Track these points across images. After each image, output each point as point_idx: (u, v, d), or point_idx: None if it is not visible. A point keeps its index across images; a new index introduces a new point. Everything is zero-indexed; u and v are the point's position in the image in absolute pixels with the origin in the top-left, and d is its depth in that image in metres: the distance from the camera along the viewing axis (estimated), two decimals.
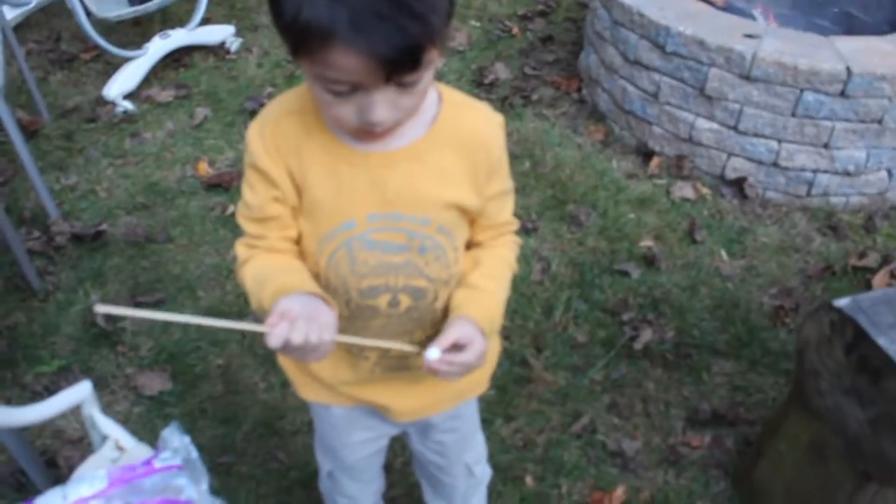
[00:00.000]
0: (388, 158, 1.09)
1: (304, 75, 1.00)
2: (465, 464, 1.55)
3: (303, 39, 0.92)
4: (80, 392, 1.46)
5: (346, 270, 1.14)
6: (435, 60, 0.98)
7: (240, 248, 1.18)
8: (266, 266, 1.14)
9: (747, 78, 2.69)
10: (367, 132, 1.03)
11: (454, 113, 1.12)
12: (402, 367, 1.27)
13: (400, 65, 0.92)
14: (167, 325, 2.40)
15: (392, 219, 1.11)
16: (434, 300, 1.20)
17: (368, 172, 1.09)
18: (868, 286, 2.54)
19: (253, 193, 1.12)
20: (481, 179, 1.15)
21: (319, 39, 0.90)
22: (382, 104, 0.97)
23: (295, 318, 0.98)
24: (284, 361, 1.40)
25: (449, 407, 1.40)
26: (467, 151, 1.13)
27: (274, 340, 0.97)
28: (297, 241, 1.17)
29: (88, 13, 3.29)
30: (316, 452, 1.58)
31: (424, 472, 1.61)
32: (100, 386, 2.22)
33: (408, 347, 1.10)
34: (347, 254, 1.13)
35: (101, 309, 0.94)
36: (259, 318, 1.05)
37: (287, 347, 0.98)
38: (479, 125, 1.15)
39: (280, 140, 1.09)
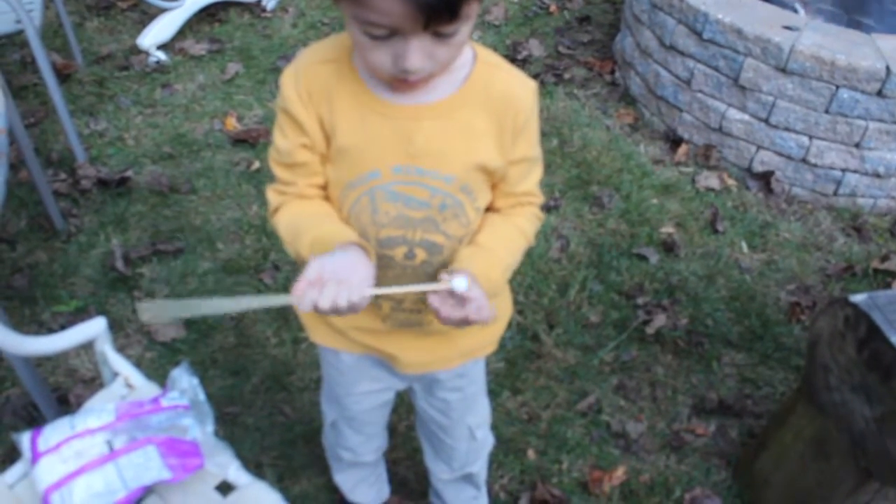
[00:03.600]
0: (417, 112, 1.10)
1: (343, 17, 1.00)
2: (468, 426, 1.56)
3: None
4: (94, 327, 1.48)
5: (367, 219, 1.15)
6: (474, 14, 0.98)
7: (271, 195, 1.21)
8: (298, 214, 1.16)
9: (783, 70, 2.65)
10: (400, 80, 1.03)
11: (487, 72, 1.12)
12: (413, 322, 1.28)
13: (439, 13, 0.92)
14: (185, 273, 2.42)
15: (416, 173, 1.12)
16: (449, 257, 1.20)
17: (396, 124, 1.10)
18: (888, 289, 2.52)
19: (283, 138, 1.14)
20: (507, 141, 1.15)
21: None
22: (418, 52, 0.97)
23: (324, 282, 1.00)
24: None
25: (456, 364, 1.40)
26: (497, 111, 1.12)
27: (305, 307, 1.00)
28: (324, 188, 1.19)
29: None
30: (322, 403, 1.60)
31: (426, 431, 1.62)
32: (114, 329, 2.25)
33: (440, 286, 1.08)
34: (370, 203, 1.14)
35: (146, 313, 0.98)
36: (297, 266, 1.09)
37: (317, 311, 1.01)
38: (512, 86, 1.15)
39: (313, 87, 1.10)
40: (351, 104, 1.10)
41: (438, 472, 1.69)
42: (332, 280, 1.00)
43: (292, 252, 1.15)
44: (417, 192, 1.13)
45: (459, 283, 1.06)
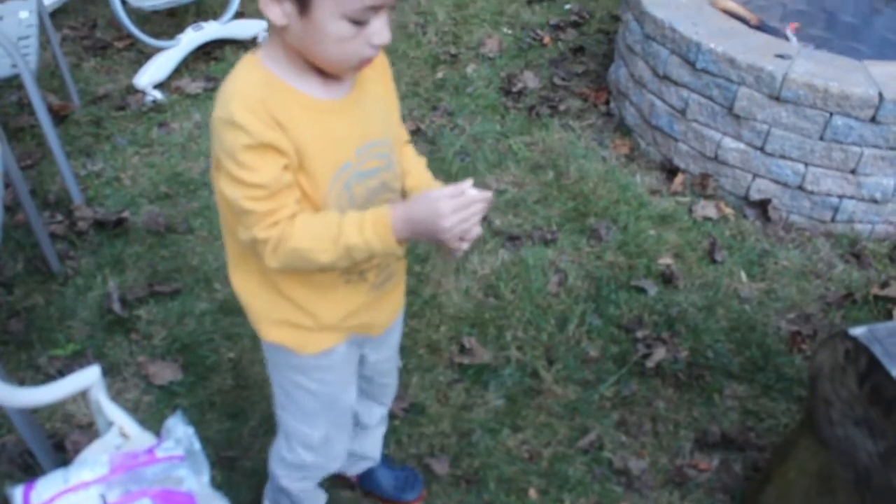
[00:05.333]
0: (352, 99, 1.26)
1: (315, 25, 1.12)
2: (397, 359, 1.75)
3: None
4: (88, 376, 1.47)
5: (348, 208, 1.26)
6: None
7: (261, 233, 1.20)
8: (314, 222, 1.22)
9: (777, 99, 2.66)
10: (364, 63, 1.20)
11: None
12: (390, 275, 1.43)
13: None
14: (182, 314, 2.41)
15: (371, 147, 1.29)
16: None
17: (345, 116, 1.25)
18: (889, 316, 2.50)
19: (261, 173, 1.16)
20: (393, 93, 1.40)
21: None
22: (387, 25, 1.16)
23: (461, 207, 1.19)
24: (283, 332, 1.44)
25: (402, 305, 1.60)
26: (381, 73, 1.35)
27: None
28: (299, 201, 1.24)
29: (124, 2, 3.34)
30: (298, 429, 1.57)
31: (371, 386, 1.72)
32: (112, 373, 2.24)
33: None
34: (347, 192, 1.27)
35: None
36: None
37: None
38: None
39: (272, 110, 1.16)
40: (303, 114, 1.19)
41: (372, 417, 1.81)
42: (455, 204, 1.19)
43: (329, 257, 1.22)
44: (374, 163, 1.30)
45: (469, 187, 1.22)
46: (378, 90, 1.33)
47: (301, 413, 1.56)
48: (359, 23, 1.12)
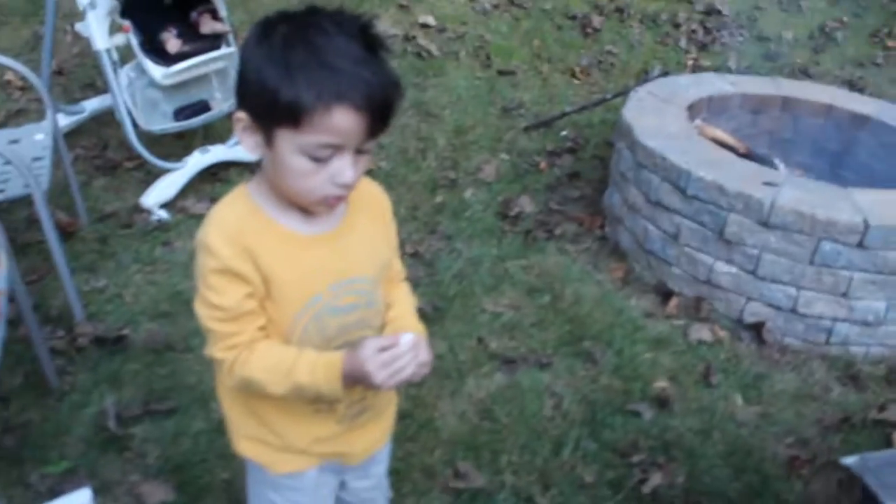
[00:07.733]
0: (333, 237, 1.31)
1: (278, 157, 1.19)
2: (385, 489, 1.72)
3: (304, 111, 1.12)
4: (78, 500, 1.47)
5: (318, 339, 1.31)
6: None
7: (219, 353, 1.27)
8: (271, 356, 1.27)
9: (766, 225, 2.73)
10: (332, 200, 1.23)
11: (357, 188, 1.29)
12: (363, 409, 1.43)
13: (380, 125, 1.17)
14: (177, 434, 2.40)
15: (347, 283, 1.32)
16: None
17: (322, 251, 1.30)
18: (888, 440, 2.49)
19: (223, 296, 1.23)
20: (389, 234, 1.44)
21: (323, 105, 1.12)
22: (352, 165, 1.19)
23: (391, 360, 1.22)
24: (254, 448, 1.46)
25: (386, 440, 1.59)
26: (376, 214, 1.41)
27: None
28: (264, 328, 1.29)
29: (135, 125, 3.46)
30: None
31: None
32: (103, 491, 2.21)
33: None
34: (317, 324, 1.30)
35: None
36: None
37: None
38: (376, 192, 1.43)
39: (245, 240, 1.23)
40: (279, 246, 1.26)
41: None
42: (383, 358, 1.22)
43: (280, 390, 1.27)
44: (351, 299, 1.33)
45: (407, 338, 1.26)
46: (369, 229, 1.37)
47: None
48: (318, 160, 1.16)
